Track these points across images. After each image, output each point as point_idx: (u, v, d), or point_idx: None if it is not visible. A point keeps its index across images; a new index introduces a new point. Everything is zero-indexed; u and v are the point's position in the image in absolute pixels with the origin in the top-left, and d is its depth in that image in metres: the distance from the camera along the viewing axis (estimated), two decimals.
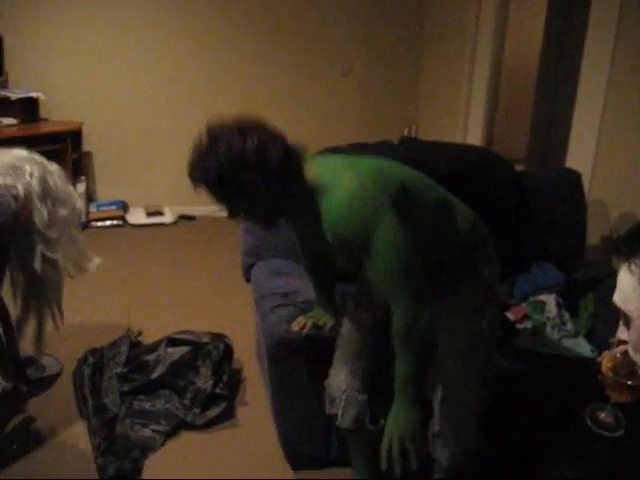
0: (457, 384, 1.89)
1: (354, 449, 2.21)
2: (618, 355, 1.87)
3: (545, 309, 2.58)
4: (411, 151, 2.74)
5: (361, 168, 1.71)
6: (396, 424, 1.78)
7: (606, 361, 1.85)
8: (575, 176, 3.08)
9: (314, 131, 5.68)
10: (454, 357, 1.89)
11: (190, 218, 5.63)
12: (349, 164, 1.74)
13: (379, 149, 2.71)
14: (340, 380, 2.02)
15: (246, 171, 1.62)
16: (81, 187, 5.09)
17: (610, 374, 1.81)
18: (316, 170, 1.74)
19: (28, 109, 4.95)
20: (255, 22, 5.41)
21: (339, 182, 1.67)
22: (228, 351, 2.90)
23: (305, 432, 2.38)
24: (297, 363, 2.24)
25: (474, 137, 5.08)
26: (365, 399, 2.00)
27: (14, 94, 4.72)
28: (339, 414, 2.04)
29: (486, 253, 1.95)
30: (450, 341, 1.89)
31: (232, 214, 1.78)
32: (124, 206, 5.51)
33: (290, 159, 1.67)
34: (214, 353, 2.82)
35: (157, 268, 4.47)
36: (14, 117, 4.86)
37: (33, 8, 4.96)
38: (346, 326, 2.06)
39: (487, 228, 1.98)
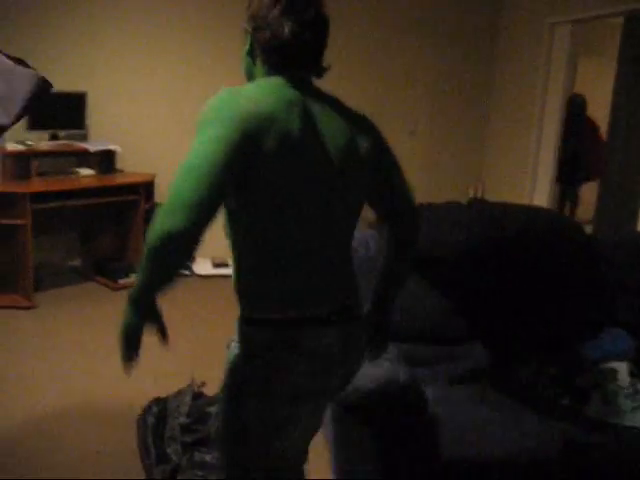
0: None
1: None
2: None
3: (617, 377, 2.51)
4: (479, 213, 2.74)
5: (274, 92, 1.52)
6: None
7: None
8: None
9: None
10: None
11: None
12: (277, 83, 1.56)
13: (447, 210, 2.72)
14: None
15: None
16: None
17: None
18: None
19: (105, 161, 5.15)
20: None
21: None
22: None
23: None
24: (361, 426, 2.22)
25: (541, 196, 5.04)
26: None
27: (93, 146, 4.93)
28: None
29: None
30: None
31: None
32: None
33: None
34: None
35: (222, 319, 4.53)
36: (92, 168, 5.07)
37: (116, 66, 5.22)
38: None
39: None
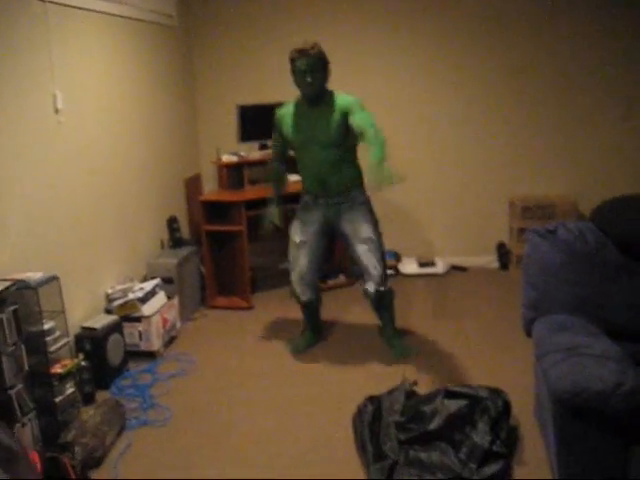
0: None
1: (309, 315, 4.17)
2: None
3: None
4: None
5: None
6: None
7: None
8: None
9: (593, 179, 5.42)
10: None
11: (462, 269, 5.62)
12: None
13: None
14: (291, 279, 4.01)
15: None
16: None
17: None
18: None
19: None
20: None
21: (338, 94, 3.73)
22: (506, 407, 2.81)
23: None
24: (586, 426, 2.11)
25: None
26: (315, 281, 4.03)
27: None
28: (299, 295, 3.99)
29: None
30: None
31: (315, 73, 3.60)
32: (397, 256, 5.67)
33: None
34: (492, 408, 2.75)
35: (429, 317, 4.51)
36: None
37: None
38: (300, 232, 3.93)
39: None
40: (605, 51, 5.28)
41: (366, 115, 3.52)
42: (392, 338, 4.01)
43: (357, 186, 3.88)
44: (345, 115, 3.60)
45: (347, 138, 3.69)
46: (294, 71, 3.64)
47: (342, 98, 3.67)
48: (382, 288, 3.80)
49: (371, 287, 3.80)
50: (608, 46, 5.26)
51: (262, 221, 4.18)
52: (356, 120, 3.51)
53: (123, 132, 4.29)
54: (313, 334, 4.21)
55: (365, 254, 3.79)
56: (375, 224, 3.88)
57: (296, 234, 3.95)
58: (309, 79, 3.58)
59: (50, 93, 3.41)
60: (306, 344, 4.13)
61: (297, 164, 3.91)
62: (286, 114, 3.81)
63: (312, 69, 3.57)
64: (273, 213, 4.11)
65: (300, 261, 3.93)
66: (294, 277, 3.98)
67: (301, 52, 3.57)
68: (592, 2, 5.20)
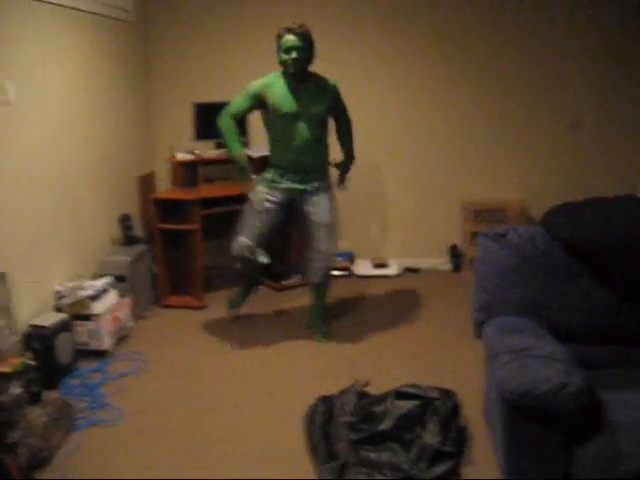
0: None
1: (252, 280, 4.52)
2: None
3: None
4: None
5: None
6: None
7: None
8: None
9: (544, 184, 5.53)
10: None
11: (415, 270, 5.68)
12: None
13: (622, 203, 2.57)
14: (242, 240, 4.07)
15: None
16: None
17: None
18: None
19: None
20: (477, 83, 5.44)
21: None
22: (456, 408, 2.86)
23: None
24: (533, 425, 2.15)
25: None
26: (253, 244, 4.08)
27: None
28: (258, 256, 4.10)
29: None
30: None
31: (301, 52, 3.75)
32: (351, 257, 5.69)
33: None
34: (442, 409, 2.79)
35: (382, 319, 4.54)
36: (255, 173, 5.25)
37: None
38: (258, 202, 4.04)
39: None
40: (557, 58, 5.39)
41: (343, 103, 4.13)
42: (320, 322, 4.26)
43: (324, 171, 4.11)
44: (334, 97, 4.01)
45: (327, 120, 4.05)
46: (280, 47, 3.78)
47: (331, 80, 3.99)
48: (330, 266, 4.10)
49: (317, 266, 4.07)
50: (561, 53, 5.38)
51: (242, 177, 4.14)
52: (340, 108, 4.11)
53: (73, 127, 4.21)
54: (247, 288, 4.56)
55: (321, 237, 4.01)
56: (335, 211, 4.08)
57: (258, 203, 4.04)
58: (294, 54, 3.73)
59: None
60: (243, 298, 4.56)
61: (271, 137, 4.05)
62: (273, 83, 3.88)
63: (298, 46, 3.73)
64: (246, 168, 4.09)
65: (261, 226, 4.05)
66: (251, 240, 4.06)
67: (289, 29, 3.74)
68: (548, 5, 5.31)
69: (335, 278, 5.24)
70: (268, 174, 4.07)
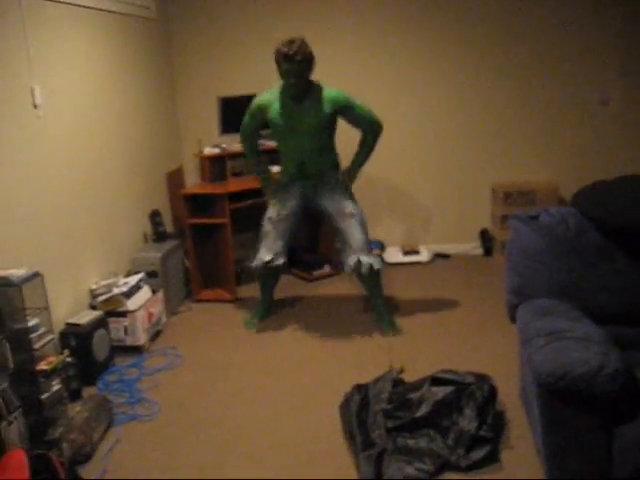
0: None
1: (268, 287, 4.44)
2: None
3: None
4: None
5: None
6: None
7: None
8: None
9: (573, 164, 5.46)
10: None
11: (446, 256, 5.65)
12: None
13: None
14: (261, 257, 4.18)
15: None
16: None
17: None
18: None
19: None
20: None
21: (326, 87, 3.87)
22: (492, 393, 2.84)
23: None
24: (571, 408, 2.13)
25: None
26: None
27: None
28: (273, 259, 4.15)
29: None
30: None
31: (300, 77, 3.69)
32: (382, 246, 5.68)
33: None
34: (478, 394, 2.77)
35: (415, 305, 4.53)
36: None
37: None
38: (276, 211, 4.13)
39: None
40: (583, 38, 5.30)
41: (364, 112, 3.93)
42: (381, 312, 4.15)
43: (334, 167, 4.10)
44: (334, 110, 3.85)
45: (330, 129, 3.92)
46: (279, 70, 3.74)
47: (330, 92, 3.85)
48: (365, 258, 3.98)
49: (353, 259, 3.98)
50: (586, 33, 5.29)
51: (264, 188, 4.31)
52: (355, 119, 3.93)
53: (103, 126, 4.25)
54: (264, 308, 4.47)
55: (349, 228, 3.99)
56: (355, 200, 4.08)
57: (273, 212, 4.13)
58: (292, 80, 3.70)
59: (28, 87, 3.38)
60: (259, 317, 4.43)
61: (278, 149, 4.13)
62: (272, 101, 3.91)
63: (296, 73, 3.68)
64: (267, 179, 4.27)
65: (276, 232, 4.12)
66: (267, 244, 4.16)
67: (286, 57, 3.63)
68: None
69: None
70: (280, 182, 4.18)
